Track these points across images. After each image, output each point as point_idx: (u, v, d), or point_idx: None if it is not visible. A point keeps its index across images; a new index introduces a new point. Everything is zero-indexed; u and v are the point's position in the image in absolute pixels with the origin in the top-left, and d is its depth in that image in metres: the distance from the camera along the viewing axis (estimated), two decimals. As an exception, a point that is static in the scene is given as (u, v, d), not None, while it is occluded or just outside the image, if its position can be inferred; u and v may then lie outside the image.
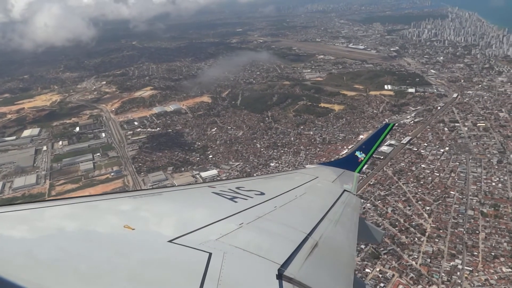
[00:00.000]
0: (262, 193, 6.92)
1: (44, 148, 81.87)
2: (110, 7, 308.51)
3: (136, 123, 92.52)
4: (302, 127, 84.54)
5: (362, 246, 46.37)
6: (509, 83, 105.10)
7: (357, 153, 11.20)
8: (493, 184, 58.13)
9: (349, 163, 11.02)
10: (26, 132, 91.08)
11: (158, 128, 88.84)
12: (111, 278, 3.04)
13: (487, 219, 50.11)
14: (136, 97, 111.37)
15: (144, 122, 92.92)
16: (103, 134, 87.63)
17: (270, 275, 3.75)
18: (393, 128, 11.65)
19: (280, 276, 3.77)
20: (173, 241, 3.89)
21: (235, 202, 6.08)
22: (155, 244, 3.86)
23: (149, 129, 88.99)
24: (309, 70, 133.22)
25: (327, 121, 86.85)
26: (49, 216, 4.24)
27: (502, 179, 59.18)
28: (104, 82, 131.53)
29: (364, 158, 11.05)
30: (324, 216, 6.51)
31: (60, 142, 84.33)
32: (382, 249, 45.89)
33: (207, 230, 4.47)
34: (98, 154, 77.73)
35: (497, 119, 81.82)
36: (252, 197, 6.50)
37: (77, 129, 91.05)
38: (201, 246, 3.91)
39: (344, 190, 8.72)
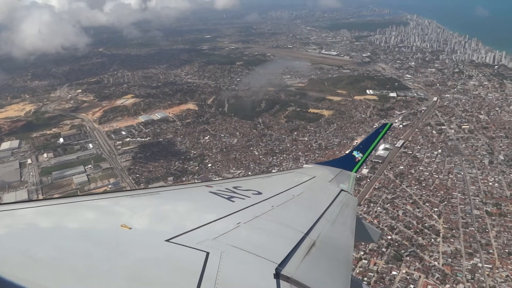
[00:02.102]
0: (259, 193, 6.93)
1: (29, 161, 77.55)
2: (86, 14, 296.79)
3: (123, 132, 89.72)
4: (295, 133, 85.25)
5: (384, 249, 47.53)
6: (481, 87, 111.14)
7: (355, 153, 11.34)
8: (490, 184, 61.18)
9: (346, 162, 11.13)
10: (5, 145, 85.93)
11: (148, 138, 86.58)
12: (108, 277, 3.04)
13: (493, 217, 52.68)
14: (118, 105, 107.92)
15: (132, 131, 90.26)
16: (91, 145, 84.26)
17: (268, 274, 3.78)
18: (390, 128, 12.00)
19: (277, 275, 3.79)
20: (170, 241, 3.89)
21: (232, 201, 6.11)
22: (152, 243, 3.88)
23: (138, 138, 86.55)
24: (289, 76, 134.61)
25: (319, 126, 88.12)
26: (46, 215, 4.21)
27: (497, 178, 62.39)
28: (80, 90, 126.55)
29: (362, 158, 11.17)
30: (321, 215, 6.58)
31: (45, 155, 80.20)
32: (403, 251, 47.13)
33: (204, 230, 4.49)
34: (90, 166, 74.55)
35: (478, 121, 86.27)
36: (249, 197, 6.53)
37: (61, 140, 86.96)
38: (199, 245, 3.91)
39: (341, 190, 8.83)
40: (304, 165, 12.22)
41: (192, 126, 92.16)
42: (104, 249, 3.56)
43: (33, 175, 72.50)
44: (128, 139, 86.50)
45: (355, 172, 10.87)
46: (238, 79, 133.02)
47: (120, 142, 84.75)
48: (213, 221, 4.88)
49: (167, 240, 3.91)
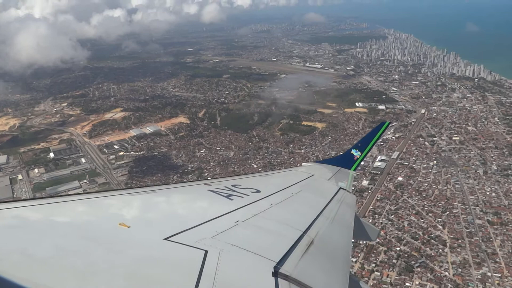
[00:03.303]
0: (258, 191, 6.99)
1: (20, 176, 75.05)
2: (74, 26, 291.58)
3: (116, 146, 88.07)
4: (291, 145, 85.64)
5: (394, 261, 47.94)
6: (465, 99, 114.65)
7: (353, 151, 11.42)
8: (487, 193, 62.72)
9: (344, 161, 11.24)
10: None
11: (142, 151, 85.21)
12: (107, 275, 3.07)
13: (495, 227, 53.90)
14: (108, 119, 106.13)
15: (125, 145, 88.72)
16: (83, 160, 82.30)
17: (266, 273, 3.80)
18: (388, 126, 12.46)
19: (276, 273, 3.82)
20: (169, 239, 3.93)
21: (231, 199, 6.15)
22: (151, 241, 3.92)
23: (132, 152, 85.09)
24: (277, 89, 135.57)
25: (313, 139, 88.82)
26: (45, 213, 4.26)
27: (493, 188, 64.05)
28: (65, 104, 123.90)
29: (360, 156, 11.27)
30: (320, 213, 6.64)
31: (36, 170, 77.77)
32: (413, 262, 47.62)
33: (203, 228, 4.54)
34: (85, 181, 72.66)
35: (467, 132, 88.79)
36: (248, 195, 6.59)
37: (51, 155, 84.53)
38: (197, 243, 3.94)
39: (340, 188, 8.96)
40: (303, 163, 12.24)
41: (186, 140, 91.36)
42: (103, 248, 3.56)
43: (25, 191, 70.18)
44: (121, 153, 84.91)
45: (354, 170, 10.95)
46: (227, 92, 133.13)
47: (114, 156, 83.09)
48: (212, 219, 4.91)
49: (166, 239, 3.92)
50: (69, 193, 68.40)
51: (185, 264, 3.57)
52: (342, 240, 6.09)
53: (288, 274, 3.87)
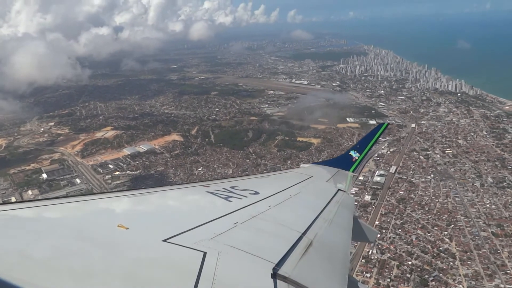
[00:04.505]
0: (257, 193, 7.04)
1: (13, 199, 72.34)
2: (63, 44, 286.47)
3: (111, 166, 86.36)
4: (289, 161, 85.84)
5: (408, 275, 48.18)
6: (451, 113, 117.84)
7: (352, 153, 11.45)
8: (487, 205, 64.08)
9: (343, 162, 11.22)
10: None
11: (138, 170, 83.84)
12: (105, 277, 3.11)
13: (500, 238, 54.99)
14: (99, 138, 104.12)
15: (120, 164, 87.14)
16: (78, 180, 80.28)
17: (265, 274, 3.84)
18: (387, 127, 12.96)
19: (274, 275, 3.86)
20: (167, 240, 3.97)
21: (230, 201, 6.19)
22: (149, 243, 3.95)
23: (128, 171, 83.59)
24: (266, 105, 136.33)
25: (310, 154, 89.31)
26: (43, 215, 4.32)
27: (492, 200, 65.52)
28: (52, 123, 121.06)
29: (359, 157, 11.25)
30: (319, 215, 6.69)
31: (30, 192, 75.33)
32: (427, 276, 47.96)
33: (201, 229, 4.58)
34: (83, 202, 70.76)
35: (458, 146, 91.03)
36: (246, 197, 6.62)
37: (44, 175, 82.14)
38: (196, 245, 3.98)
39: (338, 190, 8.96)
40: (301, 165, 12.24)
41: (182, 158, 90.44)
42: (101, 249, 3.57)
43: (20, 214, 67.62)
44: (117, 172, 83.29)
45: (353, 171, 10.92)
46: (217, 109, 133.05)
47: (110, 176, 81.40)
48: (210, 221, 4.94)
49: (164, 240, 3.94)
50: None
51: (184, 265, 3.58)
52: (341, 242, 6.11)
53: (287, 275, 3.88)
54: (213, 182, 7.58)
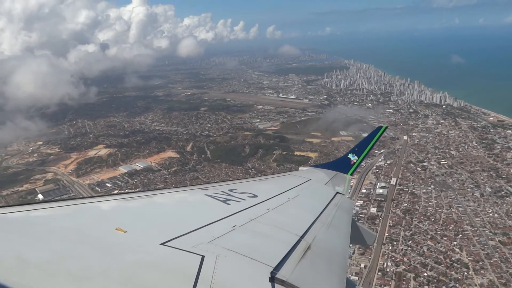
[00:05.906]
0: (255, 196, 7.03)
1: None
2: (51, 61, 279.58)
3: (109, 185, 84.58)
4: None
5: (426, 287, 48.55)
6: (439, 125, 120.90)
7: (350, 156, 11.47)
8: (490, 214, 65.60)
9: (341, 165, 11.26)
10: (-27, 206, 76.84)
11: (138, 189, 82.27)
12: (103, 280, 3.10)
13: (508, 247, 56.24)
14: (92, 156, 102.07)
15: (118, 183, 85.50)
16: (76, 200, 78.06)
17: (263, 278, 3.83)
18: (385, 130, 13.54)
19: (272, 278, 3.86)
20: (165, 244, 3.96)
21: (228, 204, 6.18)
22: (147, 246, 3.95)
23: (127, 190, 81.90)
24: (258, 120, 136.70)
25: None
26: (41, 218, 4.33)
27: (494, 209, 67.10)
28: (41, 142, 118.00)
29: (357, 160, 11.29)
30: (317, 218, 6.68)
31: (26, 214, 72.79)
32: (444, 287, 48.46)
33: (199, 233, 4.57)
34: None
35: (452, 157, 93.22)
36: (245, 200, 6.62)
37: (40, 196, 79.73)
38: (194, 248, 3.98)
39: (337, 193, 9.01)
40: (300, 168, 12.48)
41: (181, 175, 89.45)
42: (99, 252, 3.57)
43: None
44: (116, 191, 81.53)
45: (351, 174, 10.99)
46: (209, 125, 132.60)
47: (109, 196, 79.54)
48: (209, 224, 4.94)
49: (162, 244, 3.94)
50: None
51: (182, 269, 3.56)
52: (339, 245, 6.13)
53: (285, 279, 3.88)
54: (211, 185, 7.54)
